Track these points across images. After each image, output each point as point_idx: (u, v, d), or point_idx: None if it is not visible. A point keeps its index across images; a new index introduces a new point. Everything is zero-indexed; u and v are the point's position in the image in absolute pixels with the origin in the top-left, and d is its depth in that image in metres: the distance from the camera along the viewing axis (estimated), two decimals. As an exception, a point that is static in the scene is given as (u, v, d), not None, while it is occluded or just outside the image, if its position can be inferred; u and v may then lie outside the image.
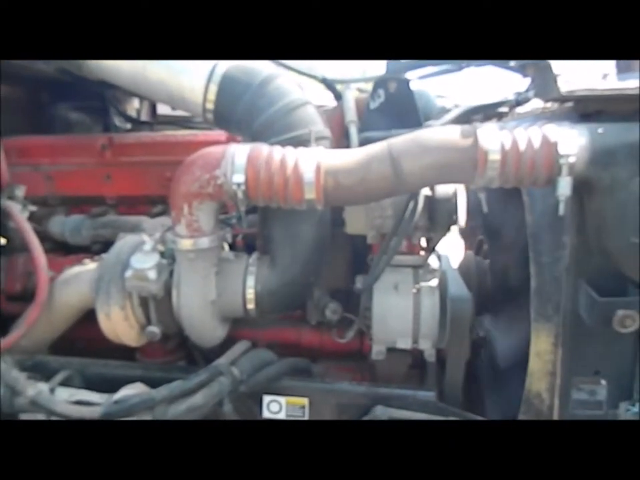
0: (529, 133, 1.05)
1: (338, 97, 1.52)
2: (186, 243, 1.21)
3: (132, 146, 1.70)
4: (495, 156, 1.04)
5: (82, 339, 1.59)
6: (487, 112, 1.44)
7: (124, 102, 2.23)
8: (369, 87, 1.70)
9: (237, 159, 1.12)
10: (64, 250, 1.68)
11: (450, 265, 1.59)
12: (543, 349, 1.21)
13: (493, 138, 1.05)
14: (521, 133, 1.05)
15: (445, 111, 1.47)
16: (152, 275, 1.24)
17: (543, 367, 1.22)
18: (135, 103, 2.30)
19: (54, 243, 1.67)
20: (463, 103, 1.52)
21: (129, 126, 2.24)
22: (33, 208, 1.50)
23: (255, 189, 1.12)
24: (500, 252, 1.61)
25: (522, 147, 1.04)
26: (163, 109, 2.40)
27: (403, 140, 1.09)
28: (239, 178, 1.11)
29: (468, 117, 1.41)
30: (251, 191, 1.12)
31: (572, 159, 1.01)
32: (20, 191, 1.47)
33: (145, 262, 1.25)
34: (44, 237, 1.53)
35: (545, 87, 1.17)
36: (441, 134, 1.09)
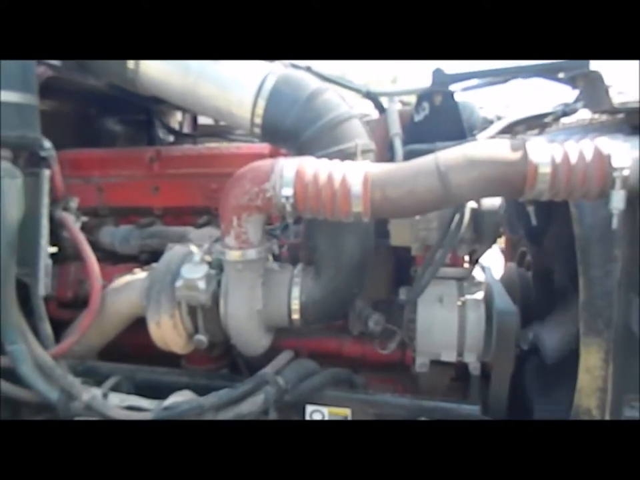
0: (581, 146, 1.04)
1: (381, 109, 1.54)
2: (234, 254, 1.24)
3: (178, 158, 1.75)
4: (546, 169, 1.03)
5: (128, 345, 1.64)
6: (532, 123, 1.43)
7: (168, 115, 2.30)
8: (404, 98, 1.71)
9: (285, 172, 1.14)
10: (112, 259, 1.74)
11: (493, 277, 1.57)
12: (592, 365, 1.19)
13: (543, 151, 1.04)
14: (572, 146, 1.04)
15: (488, 122, 1.46)
16: (201, 284, 1.28)
17: (592, 382, 1.20)
18: (178, 115, 2.37)
19: (103, 252, 1.72)
20: (506, 114, 1.52)
21: (172, 138, 2.30)
22: (84, 218, 1.56)
23: (303, 202, 1.14)
24: (545, 261, 1.59)
25: (573, 159, 1.03)
26: (203, 119, 2.46)
27: (450, 153, 1.10)
28: (287, 191, 1.13)
29: (512, 128, 1.41)
30: (299, 203, 1.14)
31: (626, 172, 1.00)
32: (74, 203, 1.53)
33: (195, 272, 1.29)
34: (94, 247, 1.58)
35: (595, 98, 1.16)
36: (489, 147, 1.09)
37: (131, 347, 1.64)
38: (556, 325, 1.45)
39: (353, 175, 1.11)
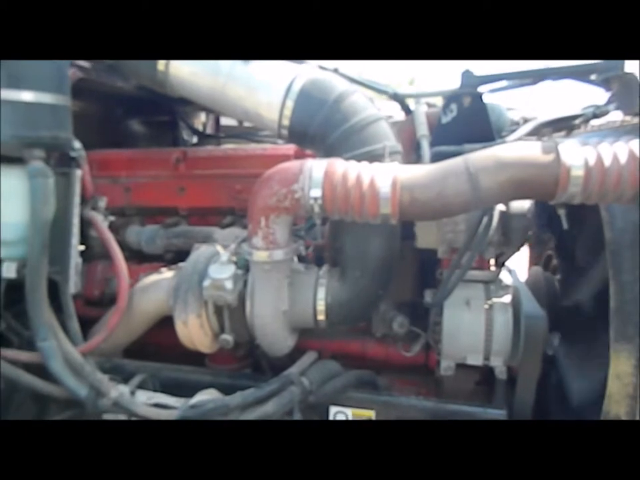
0: (614, 148, 1.03)
1: (407, 111, 1.53)
2: (262, 255, 1.25)
3: (204, 159, 1.77)
4: (578, 172, 1.02)
5: (151, 343, 1.65)
6: (562, 125, 1.41)
7: (192, 116, 2.32)
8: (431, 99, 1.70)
9: (314, 173, 1.14)
10: (138, 258, 1.76)
11: (519, 280, 1.55)
12: (623, 371, 1.17)
13: (575, 153, 1.03)
14: (606, 148, 1.03)
15: (517, 124, 1.45)
16: (229, 284, 1.29)
17: (622, 389, 1.18)
18: (202, 117, 2.39)
19: (129, 251, 1.74)
20: (535, 116, 1.50)
21: (195, 139, 2.33)
22: (112, 218, 1.58)
23: (331, 203, 1.14)
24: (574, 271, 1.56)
25: (607, 162, 1.01)
26: (225, 120, 2.48)
27: (480, 155, 1.09)
28: (316, 192, 1.13)
29: (541, 130, 1.40)
30: (328, 205, 1.14)
31: (661, 176, 0.98)
32: (102, 202, 1.55)
33: (222, 272, 1.30)
34: (121, 246, 1.60)
35: (629, 100, 1.15)
36: (520, 149, 1.08)
37: (154, 345, 1.66)
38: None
39: (382, 177, 1.11)
